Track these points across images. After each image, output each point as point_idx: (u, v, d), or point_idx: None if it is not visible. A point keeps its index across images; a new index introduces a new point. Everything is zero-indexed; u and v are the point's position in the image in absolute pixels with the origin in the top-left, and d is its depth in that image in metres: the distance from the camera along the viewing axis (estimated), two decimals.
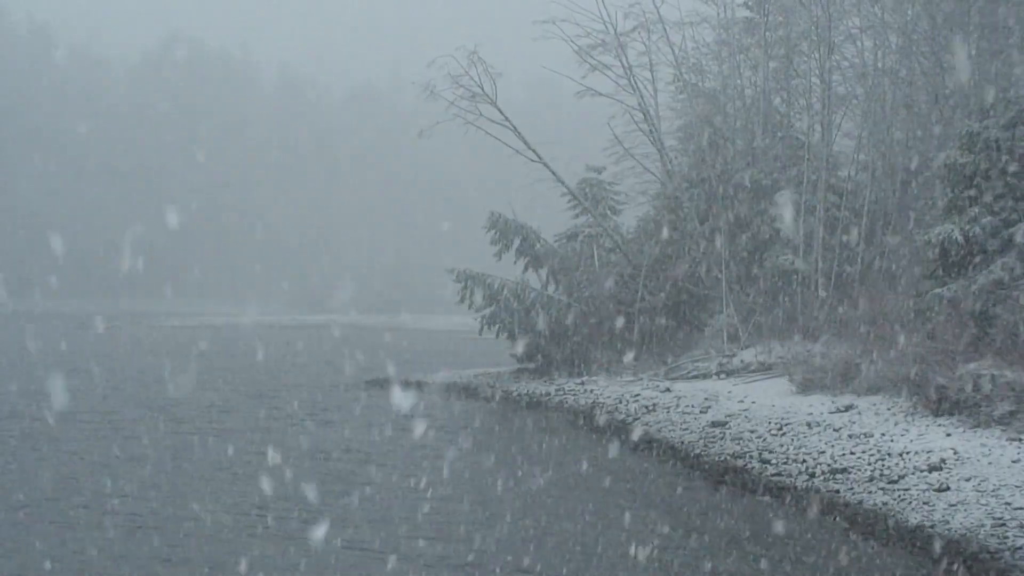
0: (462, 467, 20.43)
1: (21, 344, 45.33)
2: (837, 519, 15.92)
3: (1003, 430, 19.20)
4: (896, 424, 21.16)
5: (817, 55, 34.38)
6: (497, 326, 36.54)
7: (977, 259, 23.60)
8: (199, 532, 15.02)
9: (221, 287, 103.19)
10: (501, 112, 37.37)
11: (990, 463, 17.34)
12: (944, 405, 21.05)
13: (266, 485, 17.28)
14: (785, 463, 19.28)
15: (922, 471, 17.32)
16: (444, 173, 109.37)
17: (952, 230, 23.76)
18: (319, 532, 14.40)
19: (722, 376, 30.73)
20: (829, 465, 18.55)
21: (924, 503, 15.69)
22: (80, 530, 15.15)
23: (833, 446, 19.95)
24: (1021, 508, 14.91)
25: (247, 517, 15.94)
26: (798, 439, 21.07)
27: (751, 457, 20.11)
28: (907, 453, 18.56)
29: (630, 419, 26.12)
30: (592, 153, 40.73)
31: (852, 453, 19.22)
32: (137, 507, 16.45)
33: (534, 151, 37.81)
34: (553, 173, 38.01)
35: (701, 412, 25.50)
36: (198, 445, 22.16)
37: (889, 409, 22.60)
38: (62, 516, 15.93)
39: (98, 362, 39.22)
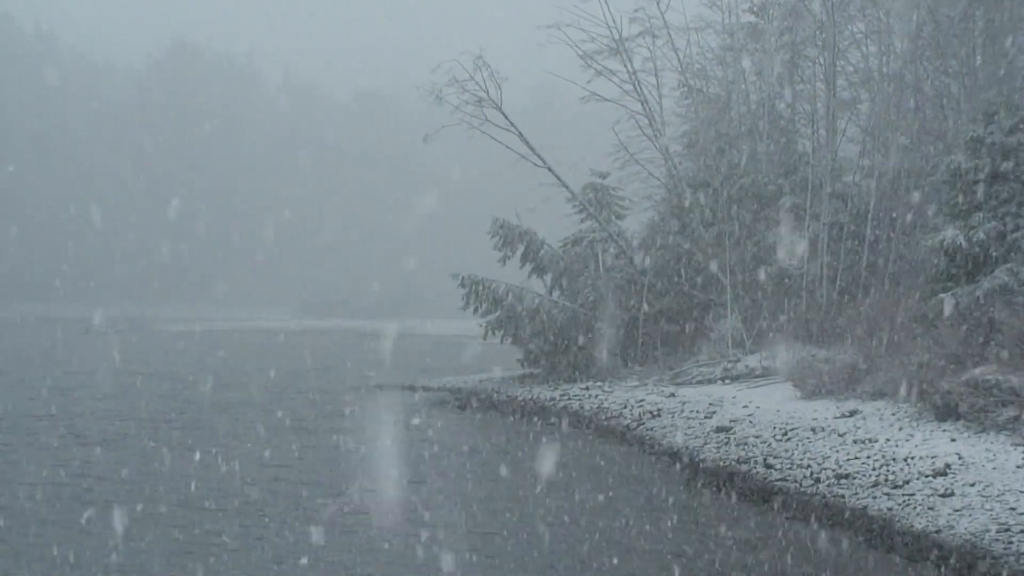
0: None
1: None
2: (841, 524, 15.91)
3: (1008, 435, 19.21)
4: (901, 429, 21.16)
5: (822, 60, 34.39)
6: (501, 331, 36.51)
7: (982, 264, 23.59)
8: None
9: (224, 292, 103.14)
10: (506, 117, 37.31)
11: (995, 468, 17.34)
12: (949, 410, 21.04)
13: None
14: (790, 468, 19.27)
15: (927, 476, 17.32)
16: (448, 178, 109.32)
17: (956, 235, 23.75)
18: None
19: (727, 381, 30.73)
20: (834, 470, 18.54)
21: (929, 508, 15.70)
22: None
23: (838, 451, 19.94)
24: None
25: None
26: (803, 444, 21.06)
27: (756, 462, 20.11)
28: (912, 458, 18.55)
29: (635, 424, 26.13)
30: (596, 158, 40.71)
31: (857, 458, 19.21)
32: None
33: (539, 156, 37.79)
34: (558, 178, 37.97)
35: (706, 417, 25.48)
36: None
37: (894, 414, 22.60)
38: None
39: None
